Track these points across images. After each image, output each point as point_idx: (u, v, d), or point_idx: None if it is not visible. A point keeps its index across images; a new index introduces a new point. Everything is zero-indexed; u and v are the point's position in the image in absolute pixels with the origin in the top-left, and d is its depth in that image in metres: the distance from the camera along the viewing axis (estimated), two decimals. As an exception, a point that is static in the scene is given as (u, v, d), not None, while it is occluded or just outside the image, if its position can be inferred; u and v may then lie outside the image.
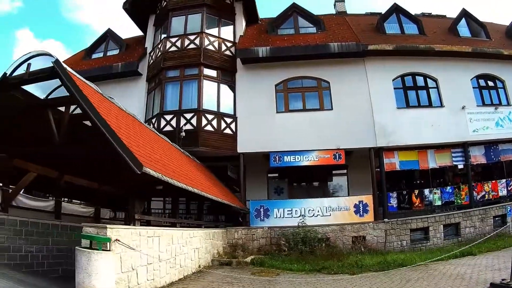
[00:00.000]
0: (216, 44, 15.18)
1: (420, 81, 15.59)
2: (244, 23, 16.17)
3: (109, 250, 5.01)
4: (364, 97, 14.76)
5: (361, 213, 13.89)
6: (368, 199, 14.15)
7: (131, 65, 15.75)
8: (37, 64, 6.88)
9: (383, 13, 16.97)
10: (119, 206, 13.86)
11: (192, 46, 14.85)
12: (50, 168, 8.83)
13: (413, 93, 15.42)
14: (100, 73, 15.98)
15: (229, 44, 15.49)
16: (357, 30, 16.23)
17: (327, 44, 14.95)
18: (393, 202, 14.44)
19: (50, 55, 6.61)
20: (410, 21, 16.55)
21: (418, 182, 15.72)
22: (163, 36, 15.76)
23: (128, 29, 67.43)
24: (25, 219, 7.70)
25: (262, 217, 13.94)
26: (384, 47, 15.11)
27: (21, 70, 6.93)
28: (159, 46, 15.57)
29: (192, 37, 14.97)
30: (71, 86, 6.11)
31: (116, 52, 17.22)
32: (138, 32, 18.57)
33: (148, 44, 16.57)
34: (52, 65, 6.27)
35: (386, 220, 13.46)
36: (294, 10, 16.47)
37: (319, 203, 14.03)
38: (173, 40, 15.12)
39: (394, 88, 15.25)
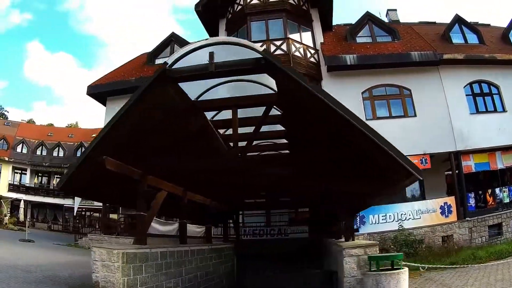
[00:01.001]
0: (301, 50, 14.55)
1: (485, 88, 16.24)
2: (321, 30, 15.59)
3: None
4: (441, 103, 15.08)
5: (446, 214, 14.28)
6: (451, 200, 14.60)
7: None
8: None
9: (448, 23, 17.32)
10: (221, 222, 12.90)
11: (278, 52, 14.06)
12: (177, 185, 7.81)
13: (481, 99, 16.05)
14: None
15: (312, 51, 14.92)
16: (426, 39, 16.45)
17: (409, 53, 15.02)
18: (472, 202, 15.00)
19: (239, 44, 5.49)
20: (470, 31, 17.13)
21: (488, 182, 16.43)
22: None
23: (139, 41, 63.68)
24: (164, 249, 6.77)
25: (358, 224, 13.66)
26: (456, 56, 15.54)
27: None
28: None
29: (277, 43, 14.15)
30: (300, 80, 4.88)
31: None
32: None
33: None
34: (261, 56, 5.15)
35: (468, 218, 13.92)
36: (369, 19, 16.28)
37: (410, 207, 14.20)
38: (257, 45, 14.07)
39: (466, 95, 15.73)
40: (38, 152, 30.19)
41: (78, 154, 29.20)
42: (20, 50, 75.64)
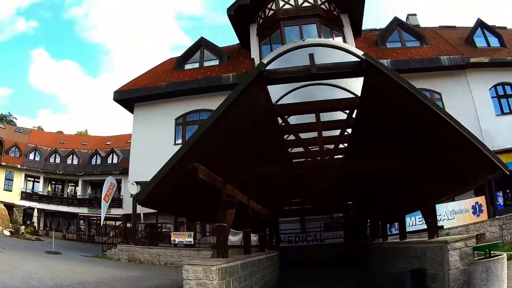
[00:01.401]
0: None
1: (508, 89, 16.28)
2: (352, 35, 15.46)
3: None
4: (469, 106, 15.05)
5: (477, 213, 14.34)
6: (482, 200, 14.68)
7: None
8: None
9: (470, 27, 17.34)
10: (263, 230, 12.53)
11: None
12: (244, 193, 7.47)
13: (505, 101, 16.08)
14: (207, 84, 14.29)
15: None
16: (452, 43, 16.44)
17: (438, 57, 14.96)
18: (500, 200, 15.08)
19: (337, 47, 5.12)
20: (492, 34, 17.17)
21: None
22: (277, 46, 14.36)
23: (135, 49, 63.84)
24: (242, 261, 6.45)
25: (396, 227, 13.46)
26: (482, 60, 15.57)
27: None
28: None
29: None
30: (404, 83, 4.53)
31: (215, 62, 15.50)
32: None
33: (255, 55, 15.10)
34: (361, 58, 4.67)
35: (497, 217, 13.98)
36: (397, 24, 16.20)
37: (445, 208, 14.17)
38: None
39: (491, 97, 15.75)
40: (52, 160, 29.38)
41: (93, 162, 28.64)
42: (25, 57, 75.10)
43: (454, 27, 19.39)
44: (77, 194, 28.77)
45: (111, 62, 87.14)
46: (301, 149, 7.82)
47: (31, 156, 28.98)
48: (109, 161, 28.00)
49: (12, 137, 29.54)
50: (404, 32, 16.30)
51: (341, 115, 6.97)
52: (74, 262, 12.35)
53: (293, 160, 8.23)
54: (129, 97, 15.35)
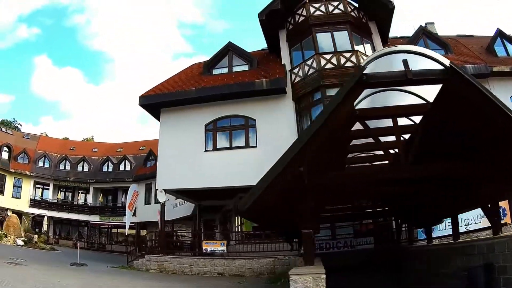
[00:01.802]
0: None
1: (524, 98, 16.35)
2: (381, 43, 15.35)
3: None
4: None
5: (501, 217, 14.23)
6: (505, 204, 14.61)
7: (278, 82, 13.94)
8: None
9: (490, 36, 17.47)
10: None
11: (349, 64, 13.58)
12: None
13: (523, 108, 16.10)
14: (240, 89, 13.94)
15: None
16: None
17: (464, 66, 14.88)
18: None
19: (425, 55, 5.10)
20: (510, 43, 17.32)
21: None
22: (309, 52, 14.22)
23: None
24: None
25: (423, 232, 13.26)
26: (503, 69, 15.58)
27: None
28: (309, 62, 14.01)
29: (347, 55, 13.72)
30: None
31: (245, 67, 15.17)
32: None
33: (285, 61, 14.85)
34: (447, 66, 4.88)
35: None
36: (423, 33, 16.21)
37: (471, 212, 14.03)
38: (327, 57, 13.70)
39: None
40: (61, 167, 28.47)
41: (104, 169, 27.84)
42: (27, 64, 73.72)
43: (472, 36, 19.57)
44: (88, 201, 27.90)
45: (114, 69, 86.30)
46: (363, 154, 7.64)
47: (40, 163, 28.07)
48: (121, 168, 27.32)
49: (20, 144, 28.63)
50: (429, 40, 16.32)
51: (405, 121, 6.95)
52: (109, 276, 11.44)
53: (355, 165, 8.02)
54: (156, 102, 14.79)
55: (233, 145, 14.09)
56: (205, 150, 14.05)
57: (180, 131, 14.46)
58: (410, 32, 18.96)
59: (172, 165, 14.01)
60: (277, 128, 13.77)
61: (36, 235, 21.05)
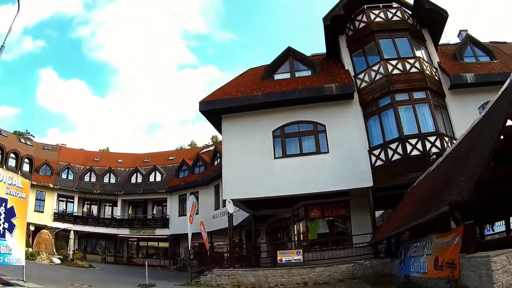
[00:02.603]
0: (429, 68, 13.93)
1: None
2: (434, 50, 15.20)
3: None
4: None
5: None
6: None
7: (347, 87, 13.47)
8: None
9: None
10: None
11: (413, 70, 13.30)
12: None
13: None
14: (309, 94, 13.39)
15: (434, 70, 14.36)
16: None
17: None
18: None
19: None
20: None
21: None
22: (372, 58, 13.86)
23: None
24: None
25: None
26: None
27: None
28: (375, 68, 13.61)
29: (410, 61, 13.44)
30: None
31: (307, 73, 14.64)
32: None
33: (348, 66, 14.41)
34: None
35: None
36: (470, 40, 16.17)
37: None
38: (393, 62, 13.37)
39: None
40: (86, 179, 26.75)
41: (133, 180, 26.23)
42: (33, 76, 71.70)
43: (505, 42, 19.80)
44: (116, 214, 26.20)
45: (119, 81, 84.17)
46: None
47: (64, 175, 26.31)
48: (151, 179, 25.86)
49: (41, 155, 26.85)
50: (476, 47, 16.27)
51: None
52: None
53: None
54: (218, 108, 13.97)
55: (303, 151, 13.40)
56: (275, 157, 13.27)
57: (246, 138, 13.64)
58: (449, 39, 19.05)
59: (240, 174, 13.19)
60: (347, 134, 13.24)
61: (70, 252, 19.34)
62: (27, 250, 17.60)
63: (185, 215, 23.37)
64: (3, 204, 7.41)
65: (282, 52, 15.25)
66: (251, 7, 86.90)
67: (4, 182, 7.59)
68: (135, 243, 26.66)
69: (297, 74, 14.79)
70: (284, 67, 15.07)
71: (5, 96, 62.96)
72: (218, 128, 14.85)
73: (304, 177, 12.75)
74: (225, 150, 14.01)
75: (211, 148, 26.54)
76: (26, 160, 25.57)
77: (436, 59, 14.90)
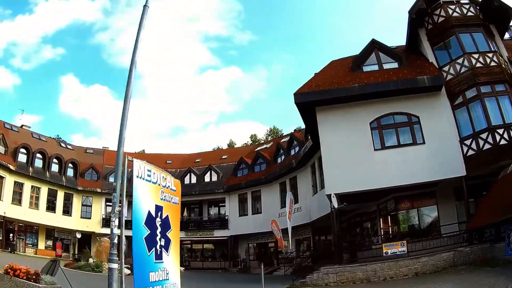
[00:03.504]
0: (504, 62, 15.79)
1: None
2: (502, 45, 16.87)
3: None
4: None
5: None
6: None
7: (437, 79, 15.40)
8: None
9: None
10: None
11: (493, 63, 14.94)
12: None
13: None
14: (404, 86, 15.29)
15: (506, 63, 16.09)
16: None
17: None
18: None
19: None
20: None
21: None
22: (454, 51, 15.68)
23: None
24: None
25: None
26: None
27: None
28: (459, 61, 15.39)
29: (489, 55, 15.25)
30: None
31: (394, 65, 16.58)
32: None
33: (431, 59, 16.36)
34: None
35: None
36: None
37: None
38: (475, 56, 15.23)
39: None
40: None
41: (186, 181, 28.16)
42: (54, 84, 79.99)
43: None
44: None
45: (142, 85, 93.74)
46: None
47: (111, 179, 28.16)
48: (207, 179, 27.81)
49: (85, 159, 28.85)
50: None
51: None
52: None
53: None
54: (313, 100, 15.68)
55: (401, 143, 15.32)
56: (375, 149, 15.16)
57: (343, 130, 15.44)
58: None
59: (341, 167, 14.78)
60: (439, 124, 14.98)
61: None
62: (91, 261, 18.75)
63: (246, 214, 25.47)
64: (159, 214, 5.80)
65: (367, 44, 17.22)
66: (269, 7, 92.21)
67: (159, 185, 5.96)
68: (189, 246, 28.68)
69: (385, 66, 16.75)
70: (371, 59, 16.96)
71: (27, 105, 75.41)
72: (309, 120, 16.75)
73: (403, 168, 14.52)
74: (323, 142, 15.84)
75: (266, 145, 28.55)
76: (70, 165, 27.55)
77: (505, 53, 16.74)
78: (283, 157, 23.74)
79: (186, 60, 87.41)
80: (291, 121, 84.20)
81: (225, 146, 45.93)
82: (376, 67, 16.76)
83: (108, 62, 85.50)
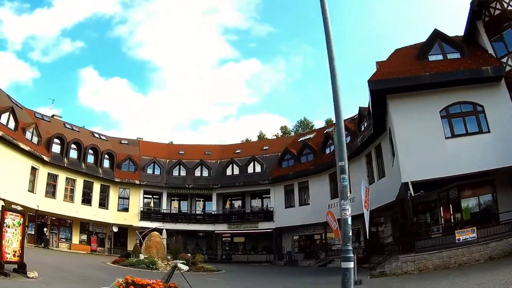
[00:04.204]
0: None
1: None
2: None
3: None
4: None
5: None
6: None
7: (499, 70, 17.17)
8: None
9: None
10: None
11: None
12: None
13: None
14: (471, 76, 17.14)
15: None
16: None
17: None
18: None
19: None
20: None
21: None
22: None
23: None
24: None
25: None
26: None
27: None
28: None
29: None
30: None
31: (456, 55, 18.58)
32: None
33: (489, 51, 18.45)
34: None
35: None
36: None
37: None
38: None
39: None
40: (175, 173, 30.52)
41: (228, 172, 30.17)
42: (73, 77, 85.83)
43: None
44: (210, 209, 30.12)
45: (161, 78, 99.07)
46: None
47: (149, 170, 30.12)
48: (250, 170, 29.80)
49: (120, 150, 30.59)
50: None
51: None
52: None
53: None
54: (385, 88, 17.26)
55: (469, 131, 17.48)
56: (446, 138, 17.25)
57: (415, 118, 17.13)
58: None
59: (415, 155, 16.37)
60: (501, 114, 16.75)
61: (188, 254, 21.88)
62: (142, 257, 18.47)
63: (293, 206, 27.57)
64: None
65: (430, 34, 19.36)
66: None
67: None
68: (229, 239, 30.91)
69: (449, 56, 18.92)
70: (435, 49, 19.02)
71: (46, 98, 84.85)
72: (377, 109, 18.86)
73: (471, 157, 16.34)
74: (398, 131, 17.26)
75: (310, 136, 30.60)
76: (106, 155, 29.29)
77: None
78: (332, 147, 25.74)
79: (205, 52, 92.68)
80: (313, 112, 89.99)
81: (252, 138, 48.93)
82: (440, 57, 18.69)
83: (128, 54, 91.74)
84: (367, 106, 22.82)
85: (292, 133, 45.67)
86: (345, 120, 27.14)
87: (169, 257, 20.42)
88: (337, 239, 22.40)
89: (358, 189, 22.87)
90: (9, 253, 9.68)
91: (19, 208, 11.31)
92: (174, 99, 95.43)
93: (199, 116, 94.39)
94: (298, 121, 50.36)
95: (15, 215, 10.35)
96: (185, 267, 17.38)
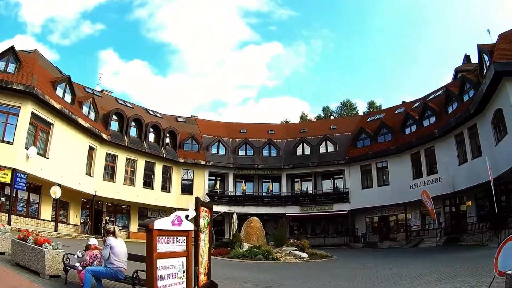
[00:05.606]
0: None
1: None
2: None
3: None
4: None
5: None
6: None
7: None
8: None
9: None
10: None
11: None
12: None
13: None
14: None
15: None
16: None
17: None
18: None
19: None
20: None
21: None
22: None
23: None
24: None
25: None
26: None
27: None
28: None
29: None
30: None
31: None
32: None
33: None
34: None
35: None
36: None
37: None
38: None
39: None
40: (241, 153, 30.43)
41: (298, 152, 30.04)
42: (93, 59, 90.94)
43: None
44: (277, 191, 30.24)
45: (180, 60, 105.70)
46: None
47: (214, 149, 29.81)
48: (322, 150, 29.76)
49: (180, 128, 30.13)
50: None
51: None
52: None
53: None
54: (506, 70, 17.92)
55: None
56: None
57: None
58: None
59: None
60: None
61: (291, 240, 20.46)
62: (246, 246, 17.28)
63: (371, 187, 27.95)
64: None
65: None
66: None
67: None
68: (297, 222, 31.14)
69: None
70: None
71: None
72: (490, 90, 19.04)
73: None
74: None
75: (378, 116, 30.74)
76: (168, 134, 28.88)
77: None
78: (414, 127, 25.89)
79: (225, 35, 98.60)
80: (333, 96, 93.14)
81: (276, 120, 49.77)
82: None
83: (147, 37, 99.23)
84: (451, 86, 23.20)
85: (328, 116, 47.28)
86: (426, 99, 27.55)
87: (271, 243, 20.15)
88: (432, 218, 22.90)
89: (444, 169, 23.40)
90: (202, 273, 6.38)
91: (206, 199, 10.06)
92: (194, 80, 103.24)
93: (218, 97, 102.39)
94: (341, 103, 53.43)
95: (205, 211, 8.02)
96: (305, 255, 17.16)
